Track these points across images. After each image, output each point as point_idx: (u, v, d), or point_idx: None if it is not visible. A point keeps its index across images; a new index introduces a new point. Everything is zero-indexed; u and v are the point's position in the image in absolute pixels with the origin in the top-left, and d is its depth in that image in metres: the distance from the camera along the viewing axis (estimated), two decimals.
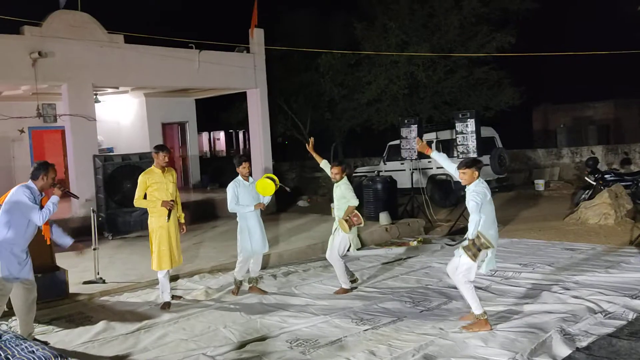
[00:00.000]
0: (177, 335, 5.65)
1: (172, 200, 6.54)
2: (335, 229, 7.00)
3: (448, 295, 6.56)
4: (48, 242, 5.58)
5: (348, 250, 7.11)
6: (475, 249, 5.25)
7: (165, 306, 6.59)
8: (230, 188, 6.95)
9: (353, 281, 7.18)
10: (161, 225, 6.55)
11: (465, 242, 5.36)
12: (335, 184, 7.06)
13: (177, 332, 5.77)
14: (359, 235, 7.45)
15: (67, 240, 5.67)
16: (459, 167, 5.49)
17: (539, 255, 8.37)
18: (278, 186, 6.99)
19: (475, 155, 11.15)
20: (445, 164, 5.85)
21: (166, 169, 6.69)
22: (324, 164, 7.34)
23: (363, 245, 9.81)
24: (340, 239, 6.93)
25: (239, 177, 6.98)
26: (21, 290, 5.20)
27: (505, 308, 5.89)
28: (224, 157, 32.52)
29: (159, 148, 6.70)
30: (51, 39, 11.17)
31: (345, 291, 6.95)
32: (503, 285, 6.80)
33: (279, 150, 23.52)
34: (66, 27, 11.41)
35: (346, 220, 6.78)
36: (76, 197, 6.25)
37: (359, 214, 6.91)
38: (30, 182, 5.25)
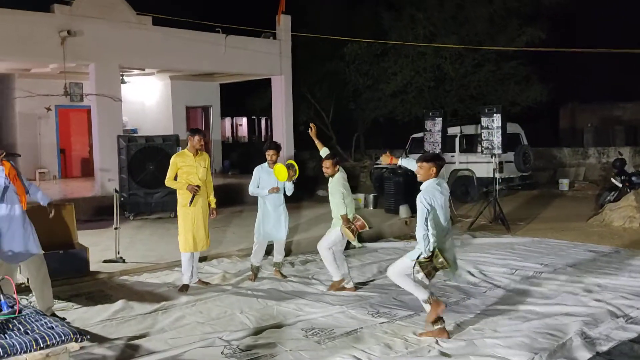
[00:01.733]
0: (194, 318, 5.68)
1: (197, 186, 6.54)
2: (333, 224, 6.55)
3: (467, 292, 6.50)
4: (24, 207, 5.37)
5: (348, 247, 6.81)
6: (431, 268, 4.81)
7: (183, 289, 6.63)
8: (254, 172, 7.01)
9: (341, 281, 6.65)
10: (186, 208, 6.59)
11: (419, 256, 4.88)
12: (330, 180, 6.51)
13: (194, 314, 5.80)
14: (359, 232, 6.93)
15: (42, 199, 5.59)
16: (417, 160, 5.15)
17: (561, 255, 8.23)
18: (297, 174, 6.91)
19: (499, 152, 11.01)
20: (413, 167, 5.48)
21: (199, 152, 6.71)
22: (323, 152, 6.84)
23: (381, 238, 9.78)
24: (336, 235, 6.50)
25: (266, 162, 6.99)
26: (30, 267, 5.22)
27: (525, 308, 5.81)
28: (246, 143, 32.60)
29: (194, 131, 6.74)
30: (80, 18, 11.26)
31: (339, 283, 6.52)
32: (523, 285, 6.70)
33: (300, 139, 23.48)
34: (96, 6, 11.48)
35: (349, 229, 6.32)
36: (17, 154, 5.96)
37: (362, 219, 6.42)
38: None
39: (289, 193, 7.02)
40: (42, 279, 5.27)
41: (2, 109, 14.92)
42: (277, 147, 7.11)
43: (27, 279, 5.47)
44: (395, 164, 6.00)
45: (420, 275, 4.96)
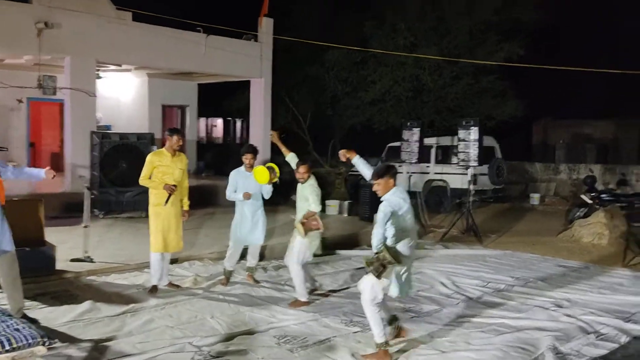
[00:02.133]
0: (163, 322, 5.56)
1: (174, 185, 6.41)
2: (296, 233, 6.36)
3: (440, 302, 6.50)
4: (2, 202, 5.23)
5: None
6: (378, 264, 4.61)
7: (153, 290, 6.50)
8: (231, 176, 6.91)
9: (313, 290, 6.60)
10: (159, 208, 6.45)
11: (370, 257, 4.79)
12: (300, 185, 6.40)
13: (163, 318, 5.68)
14: (323, 239, 6.82)
15: (37, 172, 5.35)
16: (371, 178, 5.02)
17: (532, 269, 8.32)
18: (277, 176, 6.82)
19: (475, 164, 11.10)
20: (364, 171, 5.51)
21: (177, 153, 6.58)
22: (290, 157, 6.65)
23: (355, 246, 9.74)
24: (299, 244, 6.25)
25: (242, 166, 6.90)
26: (4, 265, 5.03)
27: (497, 321, 5.83)
28: (221, 144, 32.34)
29: (173, 131, 6.62)
30: (59, 10, 11.01)
31: (302, 304, 6.21)
32: (495, 298, 6.74)
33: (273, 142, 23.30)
34: None
35: (303, 224, 6.17)
36: (4, 149, 5.78)
37: (319, 219, 6.22)
38: None
39: (266, 196, 6.94)
40: (14, 278, 5.09)
41: None
42: (254, 151, 7.02)
43: None
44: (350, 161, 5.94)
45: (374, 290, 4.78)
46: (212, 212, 12.10)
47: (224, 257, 7.09)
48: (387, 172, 4.98)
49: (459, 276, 7.70)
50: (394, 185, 4.96)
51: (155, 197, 6.48)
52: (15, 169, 5.39)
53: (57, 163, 15.45)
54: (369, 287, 4.81)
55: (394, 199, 4.85)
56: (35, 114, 15.26)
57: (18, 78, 12.72)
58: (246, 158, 6.88)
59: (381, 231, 4.70)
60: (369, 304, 4.80)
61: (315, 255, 6.59)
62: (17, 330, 3.11)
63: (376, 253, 4.68)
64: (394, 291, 4.93)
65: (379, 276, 4.66)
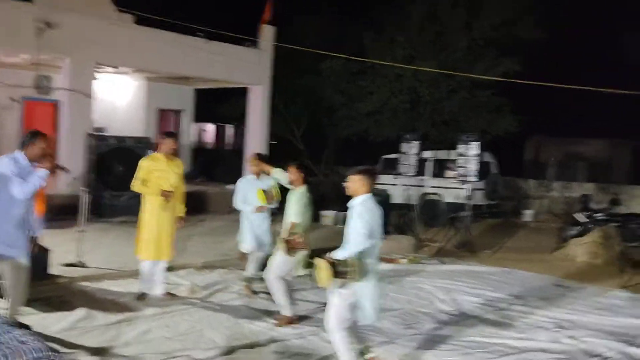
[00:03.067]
0: (161, 332, 5.43)
1: (170, 192, 6.31)
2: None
3: (440, 320, 6.42)
4: (39, 216, 5.18)
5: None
6: (343, 271, 4.27)
7: (141, 297, 6.35)
8: (238, 184, 6.98)
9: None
10: (154, 214, 6.31)
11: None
12: (290, 192, 6.00)
13: (160, 328, 5.55)
14: (309, 257, 6.32)
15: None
16: (351, 173, 4.58)
17: (530, 288, 8.27)
18: (275, 198, 6.77)
19: (474, 179, 11.07)
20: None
21: (172, 158, 6.46)
22: (277, 173, 6.23)
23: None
24: (281, 258, 5.87)
25: (250, 175, 6.99)
26: (14, 270, 4.85)
27: (500, 341, 5.76)
28: (212, 149, 32.16)
29: (168, 134, 6.51)
30: (61, 10, 10.88)
31: (290, 320, 5.85)
32: (496, 317, 6.67)
33: (272, 150, 23.28)
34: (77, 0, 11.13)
35: (287, 242, 5.71)
36: (67, 170, 5.81)
37: (303, 238, 5.72)
38: (16, 152, 4.85)
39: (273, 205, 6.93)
40: (21, 288, 4.93)
41: None
42: (259, 156, 6.97)
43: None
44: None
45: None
46: (206, 219, 11.98)
47: (222, 265, 7.00)
48: (366, 172, 4.55)
49: (458, 293, 7.62)
50: (368, 192, 4.52)
51: (149, 203, 6.33)
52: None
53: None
54: (334, 311, 4.46)
55: (369, 206, 4.43)
56: (29, 113, 15.03)
57: (13, 76, 12.56)
58: (251, 164, 6.83)
59: (363, 239, 4.27)
60: (337, 329, 4.44)
61: (298, 276, 6.27)
62: (22, 342, 2.98)
63: (342, 260, 4.27)
64: (368, 317, 4.52)
65: (336, 277, 4.28)
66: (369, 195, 4.53)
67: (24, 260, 4.92)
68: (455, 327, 6.20)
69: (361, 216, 4.35)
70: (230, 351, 5.05)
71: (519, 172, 21.48)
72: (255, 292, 6.98)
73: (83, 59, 11.41)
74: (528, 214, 16.43)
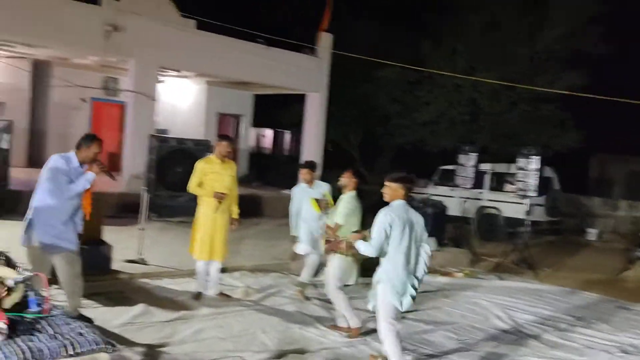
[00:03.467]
0: (214, 333, 5.49)
1: (223, 193, 6.37)
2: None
3: (497, 337, 6.23)
4: (87, 217, 5.27)
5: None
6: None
7: (197, 297, 6.45)
8: (293, 192, 7.06)
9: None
10: (208, 215, 6.40)
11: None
12: (342, 195, 5.95)
13: (214, 328, 5.61)
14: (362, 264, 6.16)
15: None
16: (385, 180, 4.76)
17: (593, 309, 7.91)
18: (328, 205, 6.61)
19: (534, 194, 10.74)
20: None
21: (226, 160, 6.54)
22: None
23: None
24: (332, 268, 5.79)
25: (303, 182, 7.00)
26: (62, 263, 5.01)
27: None
28: (269, 154, 32.59)
29: (222, 137, 6.60)
30: (127, 13, 11.29)
31: (358, 331, 5.73)
32: (555, 337, 6.40)
33: (327, 157, 23.37)
34: (143, 3, 11.52)
35: (327, 241, 5.69)
36: (113, 177, 6.00)
37: (348, 242, 5.20)
38: (71, 152, 5.05)
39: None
40: (74, 277, 5.08)
41: (38, 96, 14.96)
42: (310, 166, 6.97)
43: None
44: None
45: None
46: (260, 222, 12.09)
47: (274, 268, 7.04)
48: (404, 180, 4.67)
49: (516, 310, 7.38)
50: (404, 198, 4.64)
51: (204, 204, 6.42)
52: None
53: (115, 163, 15.81)
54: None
55: (394, 210, 4.55)
56: (97, 114, 15.66)
57: (82, 77, 13.09)
58: (301, 173, 6.83)
59: (380, 240, 4.47)
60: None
61: (346, 285, 6.12)
62: (81, 334, 3.06)
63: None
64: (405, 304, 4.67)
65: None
66: (399, 203, 4.63)
67: (74, 252, 5.05)
68: (511, 345, 6.00)
69: (381, 223, 4.51)
70: (280, 355, 5.06)
71: (582, 189, 20.72)
72: (307, 298, 6.97)
73: (147, 61, 11.77)
74: (592, 233, 15.78)
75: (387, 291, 4.59)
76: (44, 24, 10.49)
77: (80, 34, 10.94)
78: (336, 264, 5.78)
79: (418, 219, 4.72)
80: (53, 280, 5.21)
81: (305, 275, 7.01)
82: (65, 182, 4.86)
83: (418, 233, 4.69)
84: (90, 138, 5.12)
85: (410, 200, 4.80)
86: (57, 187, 4.88)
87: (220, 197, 6.32)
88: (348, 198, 5.88)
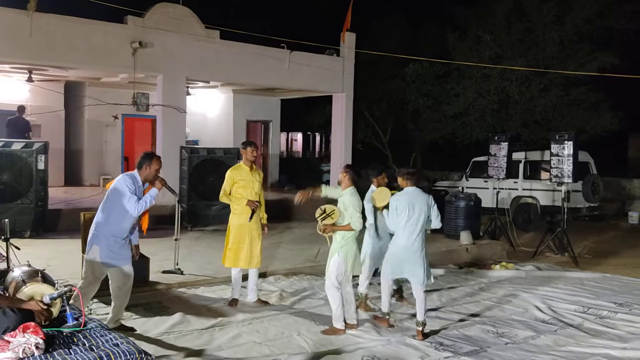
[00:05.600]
0: (251, 337, 5.56)
1: (257, 201, 6.46)
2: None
3: (536, 328, 6.12)
4: (144, 233, 5.57)
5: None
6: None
7: (233, 303, 6.52)
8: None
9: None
10: (242, 224, 6.48)
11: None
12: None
13: (251, 333, 5.68)
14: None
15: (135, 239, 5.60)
16: (399, 175, 6.08)
17: (636, 295, 7.70)
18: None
19: (569, 181, 10.51)
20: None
21: (254, 167, 6.63)
22: (328, 191, 6.22)
23: (440, 265, 9.39)
24: (331, 265, 5.80)
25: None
26: (120, 276, 5.25)
27: (601, 351, 5.40)
28: (300, 158, 32.74)
29: (247, 143, 6.66)
30: (152, 30, 11.51)
31: (336, 330, 5.72)
32: (597, 325, 6.27)
33: (356, 157, 23.34)
34: (167, 19, 11.71)
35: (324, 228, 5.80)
36: (175, 192, 6.13)
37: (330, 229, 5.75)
38: (135, 172, 5.25)
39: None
40: (127, 290, 5.36)
41: (71, 116, 15.43)
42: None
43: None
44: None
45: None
46: (293, 226, 12.16)
47: (309, 272, 7.05)
48: (408, 174, 6.02)
49: (556, 300, 7.24)
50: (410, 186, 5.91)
51: (235, 212, 6.50)
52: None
53: None
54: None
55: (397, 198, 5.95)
56: (128, 129, 16.03)
57: (114, 95, 13.40)
58: (383, 179, 6.69)
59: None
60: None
61: (354, 276, 6.16)
62: (117, 345, 3.15)
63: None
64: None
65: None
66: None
67: (129, 268, 5.32)
68: (553, 336, 5.89)
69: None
70: (317, 357, 5.09)
71: (622, 172, 20.15)
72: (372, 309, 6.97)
73: (174, 75, 11.98)
74: (634, 217, 15.36)
75: None
76: (76, 47, 10.80)
77: (110, 53, 11.21)
78: (336, 260, 5.78)
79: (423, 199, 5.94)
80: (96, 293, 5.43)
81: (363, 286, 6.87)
82: (135, 201, 5.05)
83: None
84: (150, 156, 5.29)
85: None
86: (125, 204, 5.06)
87: (253, 205, 6.38)
88: (350, 197, 5.80)
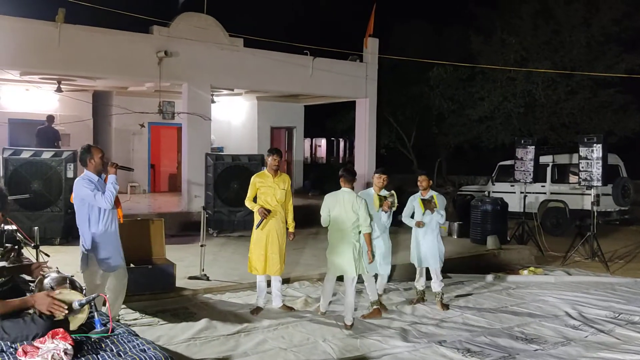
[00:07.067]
0: (276, 343, 5.56)
1: (268, 210, 6.37)
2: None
3: (566, 335, 6.01)
4: (121, 221, 5.49)
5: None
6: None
7: (255, 312, 6.50)
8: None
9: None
10: (260, 230, 6.48)
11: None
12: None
13: (276, 339, 5.68)
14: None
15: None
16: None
17: None
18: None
19: (599, 184, 10.31)
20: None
21: (279, 173, 6.63)
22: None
23: (467, 270, 9.28)
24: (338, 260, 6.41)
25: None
26: (116, 277, 5.32)
27: (633, 357, 5.28)
28: (324, 164, 32.77)
29: (270, 151, 6.67)
30: (177, 39, 11.67)
31: (319, 313, 6.53)
32: (629, 331, 6.12)
33: (381, 162, 23.26)
34: (191, 28, 11.86)
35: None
36: (131, 169, 6.07)
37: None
38: (85, 172, 5.20)
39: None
40: (121, 290, 5.42)
41: (99, 125, 15.71)
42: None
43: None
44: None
45: None
46: (316, 232, 12.14)
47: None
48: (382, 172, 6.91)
49: (586, 306, 7.10)
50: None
51: (258, 218, 6.51)
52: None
53: (174, 184, 16.35)
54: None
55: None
56: (155, 137, 16.26)
57: (140, 104, 13.60)
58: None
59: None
60: None
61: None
62: (144, 351, 3.17)
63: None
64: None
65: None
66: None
67: (124, 267, 5.43)
68: (583, 342, 5.77)
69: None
70: None
71: None
72: (423, 300, 7.22)
73: (199, 83, 12.11)
74: None
75: None
76: (103, 57, 11.01)
77: (136, 63, 11.40)
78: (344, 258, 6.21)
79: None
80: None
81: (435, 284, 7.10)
82: (101, 195, 5.05)
83: None
84: (87, 149, 5.24)
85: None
86: (95, 203, 5.05)
87: (263, 213, 6.35)
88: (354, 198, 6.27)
